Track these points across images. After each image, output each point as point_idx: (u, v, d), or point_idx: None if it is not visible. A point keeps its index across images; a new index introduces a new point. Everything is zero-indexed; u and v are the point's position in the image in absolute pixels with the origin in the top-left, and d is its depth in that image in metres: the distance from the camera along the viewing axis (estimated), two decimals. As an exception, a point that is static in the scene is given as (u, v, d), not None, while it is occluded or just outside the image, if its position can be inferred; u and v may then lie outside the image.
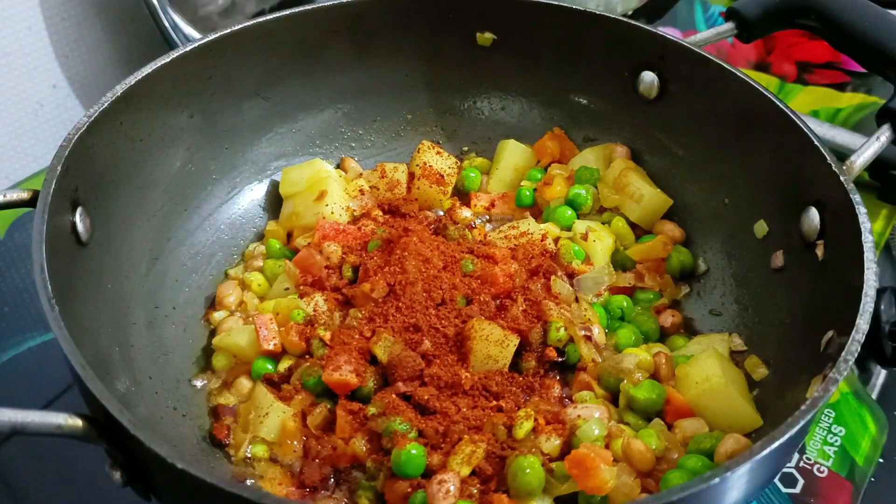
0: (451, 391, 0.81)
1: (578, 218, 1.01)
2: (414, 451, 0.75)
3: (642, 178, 1.03)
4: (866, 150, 0.85)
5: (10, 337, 1.02)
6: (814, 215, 0.84)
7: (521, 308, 0.86)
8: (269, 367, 0.88)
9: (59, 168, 0.78)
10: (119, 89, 0.88)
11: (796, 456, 0.90)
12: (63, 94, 1.35)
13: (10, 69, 1.27)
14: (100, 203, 0.85)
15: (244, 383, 0.89)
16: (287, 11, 1.01)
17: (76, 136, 0.81)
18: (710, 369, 0.83)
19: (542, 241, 0.96)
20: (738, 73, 0.94)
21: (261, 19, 1.00)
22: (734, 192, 0.98)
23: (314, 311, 0.90)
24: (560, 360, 0.86)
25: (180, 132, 0.98)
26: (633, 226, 1.01)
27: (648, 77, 1.02)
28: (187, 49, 0.95)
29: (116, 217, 0.88)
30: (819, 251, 0.83)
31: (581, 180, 1.04)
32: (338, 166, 1.10)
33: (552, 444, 0.77)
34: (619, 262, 0.98)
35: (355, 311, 0.88)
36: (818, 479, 0.89)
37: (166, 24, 1.25)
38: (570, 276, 0.94)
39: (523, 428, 0.78)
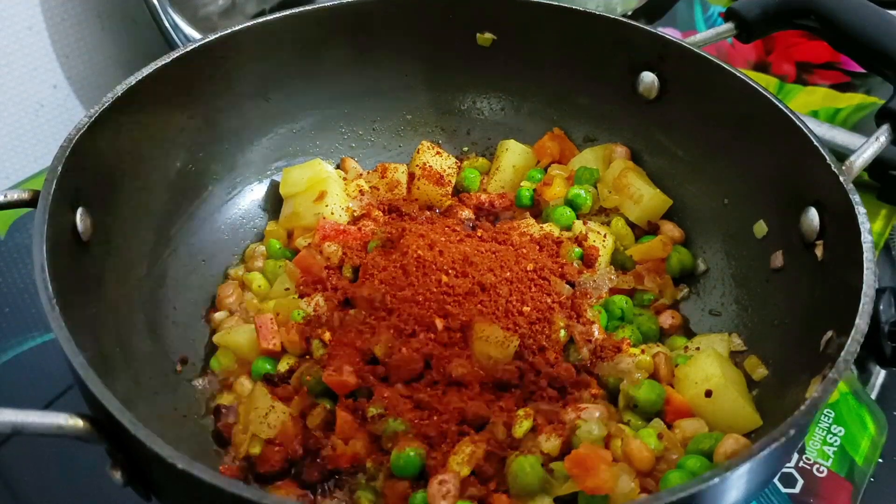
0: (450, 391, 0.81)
1: (578, 218, 1.01)
2: (413, 453, 0.75)
3: (642, 178, 1.03)
4: (866, 151, 0.85)
5: (11, 337, 1.02)
6: (813, 215, 0.84)
7: (522, 309, 0.87)
8: (269, 367, 0.88)
9: (59, 168, 0.78)
10: (119, 90, 0.88)
11: (796, 456, 0.90)
12: (64, 94, 1.35)
13: (10, 69, 1.27)
14: (100, 203, 0.85)
15: (244, 383, 0.89)
16: (287, 12, 1.01)
17: (77, 137, 0.81)
18: (709, 369, 0.83)
19: (542, 241, 0.96)
20: (738, 74, 0.94)
21: (261, 20, 1.00)
22: (734, 193, 0.98)
23: (314, 311, 0.90)
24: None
25: (180, 132, 0.98)
26: (632, 226, 1.02)
27: (648, 77, 1.02)
28: (188, 49, 0.95)
29: (117, 217, 0.88)
30: (818, 251, 0.83)
31: (581, 181, 1.04)
32: (338, 167, 1.10)
33: (552, 443, 0.77)
34: (619, 263, 0.98)
35: (356, 312, 0.88)
36: (818, 479, 0.89)
37: (167, 25, 1.25)
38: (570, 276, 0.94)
39: (522, 427, 0.78)
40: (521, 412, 0.80)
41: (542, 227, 0.98)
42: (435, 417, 0.79)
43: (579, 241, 0.97)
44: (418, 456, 0.75)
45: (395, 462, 0.76)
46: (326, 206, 1.00)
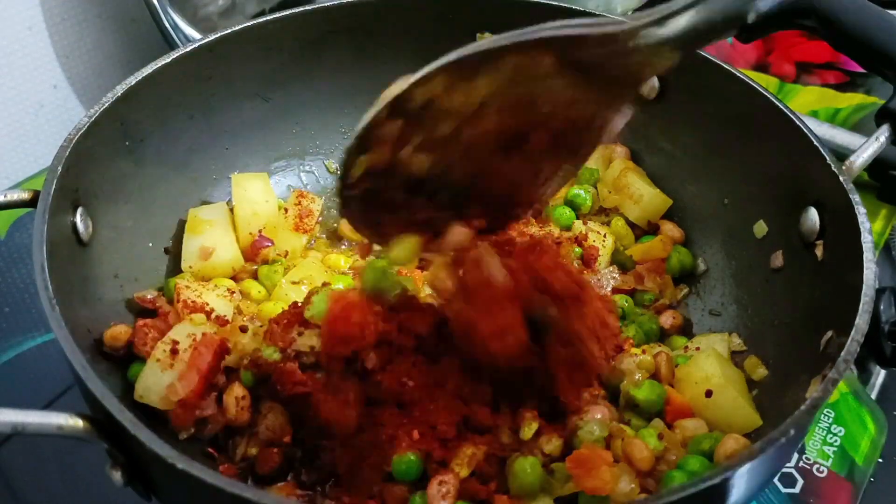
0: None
1: (578, 218, 1.01)
2: (413, 458, 0.75)
3: (642, 178, 1.03)
4: (865, 151, 0.85)
5: (11, 337, 1.02)
6: (813, 215, 0.84)
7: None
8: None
9: (59, 168, 0.78)
10: (119, 89, 0.88)
11: (796, 456, 0.90)
12: (64, 94, 1.35)
13: (10, 69, 1.27)
14: (100, 203, 0.85)
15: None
16: (287, 12, 1.01)
17: (77, 137, 0.81)
18: (709, 369, 0.83)
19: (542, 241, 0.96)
20: (738, 74, 0.94)
21: (261, 20, 1.00)
22: (734, 193, 0.98)
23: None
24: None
25: (180, 132, 0.98)
26: (632, 226, 1.02)
27: (648, 77, 1.02)
28: (187, 49, 0.95)
29: (117, 217, 0.88)
30: (818, 251, 0.83)
31: (581, 181, 1.04)
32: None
33: (553, 444, 0.77)
34: (620, 263, 0.98)
35: None
36: (818, 479, 0.89)
37: (167, 25, 1.25)
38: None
39: (531, 429, 0.77)
40: (528, 414, 0.79)
41: (541, 228, 0.98)
42: (436, 428, 0.78)
43: (579, 241, 0.97)
44: (417, 461, 0.75)
45: (395, 467, 0.75)
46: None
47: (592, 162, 1.06)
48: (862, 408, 0.95)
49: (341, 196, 0.71)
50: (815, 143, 0.84)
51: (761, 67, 1.47)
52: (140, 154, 0.92)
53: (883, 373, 1.00)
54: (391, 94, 0.65)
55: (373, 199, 0.72)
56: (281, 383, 0.77)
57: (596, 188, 1.04)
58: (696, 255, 1.00)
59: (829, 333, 0.75)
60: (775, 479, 0.88)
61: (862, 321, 0.69)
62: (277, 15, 1.01)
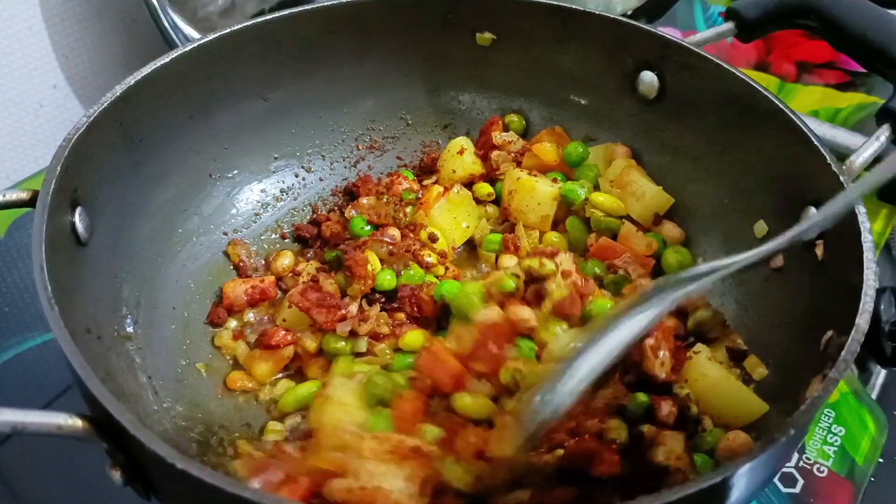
0: None
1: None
2: None
3: (644, 176, 1.03)
4: (866, 150, 0.85)
5: (10, 337, 1.02)
6: (813, 215, 0.84)
7: None
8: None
9: (58, 168, 0.78)
10: (119, 89, 0.88)
11: (796, 456, 0.90)
12: (63, 94, 1.35)
13: (10, 69, 1.27)
14: (100, 203, 0.85)
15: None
16: (287, 11, 1.01)
17: (76, 137, 0.81)
18: (704, 365, 0.83)
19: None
20: (738, 73, 0.94)
21: (260, 19, 1.00)
22: (734, 192, 0.98)
23: None
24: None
25: (180, 132, 0.98)
26: (636, 224, 1.01)
27: (648, 77, 1.02)
28: (187, 49, 0.95)
29: (116, 217, 0.88)
30: (818, 251, 0.83)
31: (580, 177, 1.04)
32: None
33: None
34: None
35: None
36: (818, 478, 0.89)
37: (166, 25, 1.25)
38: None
39: None
40: None
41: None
42: None
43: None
44: None
45: None
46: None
47: (593, 159, 1.06)
48: (862, 408, 0.95)
49: None
50: (816, 142, 0.84)
51: (761, 67, 1.47)
52: (139, 154, 0.92)
53: (883, 373, 1.00)
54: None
55: None
56: None
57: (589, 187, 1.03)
58: (696, 255, 1.00)
59: (830, 333, 0.75)
60: (775, 479, 0.88)
61: (862, 321, 0.69)
62: (277, 15, 1.01)
